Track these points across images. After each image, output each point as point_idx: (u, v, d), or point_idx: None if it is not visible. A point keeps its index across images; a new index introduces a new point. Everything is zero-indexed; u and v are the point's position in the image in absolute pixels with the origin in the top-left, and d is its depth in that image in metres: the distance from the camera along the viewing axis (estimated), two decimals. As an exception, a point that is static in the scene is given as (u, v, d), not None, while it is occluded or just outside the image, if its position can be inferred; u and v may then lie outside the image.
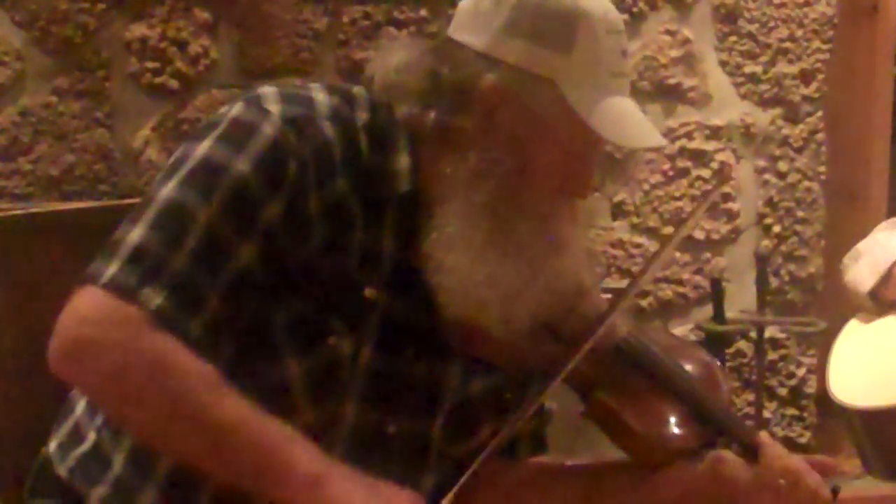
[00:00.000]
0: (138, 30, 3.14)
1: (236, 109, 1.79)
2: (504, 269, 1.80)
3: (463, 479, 1.82)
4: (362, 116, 1.84)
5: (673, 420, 1.92)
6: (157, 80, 3.16)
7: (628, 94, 1.85)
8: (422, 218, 1.82)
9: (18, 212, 2.35)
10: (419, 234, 1.82)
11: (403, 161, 1.84)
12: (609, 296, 2.02)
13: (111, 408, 1.84)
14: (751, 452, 1.90)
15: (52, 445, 1.96)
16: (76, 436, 1.92)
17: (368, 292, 1.81)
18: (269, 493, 1.75)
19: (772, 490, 1.88)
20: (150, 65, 3.15)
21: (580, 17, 1.80)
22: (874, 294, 2.89)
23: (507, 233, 1.80)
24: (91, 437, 1.90)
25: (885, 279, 2.87)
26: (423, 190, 1.83)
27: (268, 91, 1.81)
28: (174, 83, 3.16)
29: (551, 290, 1.83)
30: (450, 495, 1.82)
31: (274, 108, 1.78)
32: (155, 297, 1.70)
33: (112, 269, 1.71)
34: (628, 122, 1.83)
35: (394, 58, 1.88)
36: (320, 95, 1.84)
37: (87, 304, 1.73)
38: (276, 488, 1.74)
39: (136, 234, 1.73)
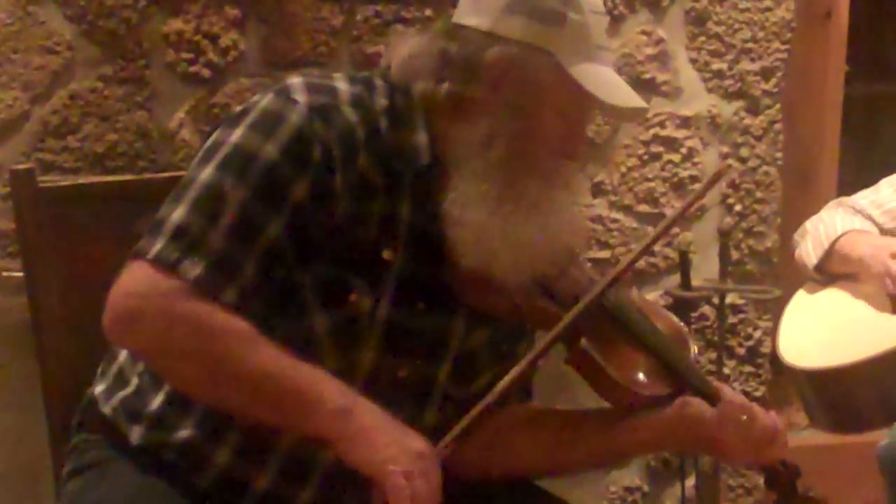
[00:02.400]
0: (175, 24, 3.14)
1: (267, 100, 1.82)
2: (515, 223, 1.83)
3: (463, 424, 1.85)
4: (381, 102, 1.86)
5: (645, 370, 1.94)
6: (192, 69, 3.16)
7: (612, 65, 1.90)
8: (438, 185, 1.85)
9: (68, 183, 2.36)
10: (436, 200, 1.85)
11: (422, 138, 1.86)
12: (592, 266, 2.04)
13: (159, 369, 1.89)
14: (713, 403, 1.92)
15: (98, 388, 1.99)
16: (120, 380, 1.96)
17: (386, 254, 1.84)
18: (304, 428, 1.79)
19: (734, 425, 1.91)
20: (185, 55, 3.15)
21: None
22: (819, 267, 2.90)
23: (517, 190, 1.84)
24: (133, 381, 1.94)
25: (828, 254, 2.88)
26: (440, 161, 1.86)
27: (296, 82, 1.84)
28: (206, 72, 3.17)
29: (552, 245, 1.87)
30: (452, 434, 1.85)
31: (301, 97, 1.81)
32: (194, 269, 1.75)
33: (157, 245, 1.76)
34: (615, 86, 1.88)
35: (407, 45, 1.91)
36: (342, 84, 1.87)
37: (136, 277, 1.78)
38: (310, 423, 1.78)
39: (178, 213, 1.77)
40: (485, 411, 1.84)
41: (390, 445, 1.75)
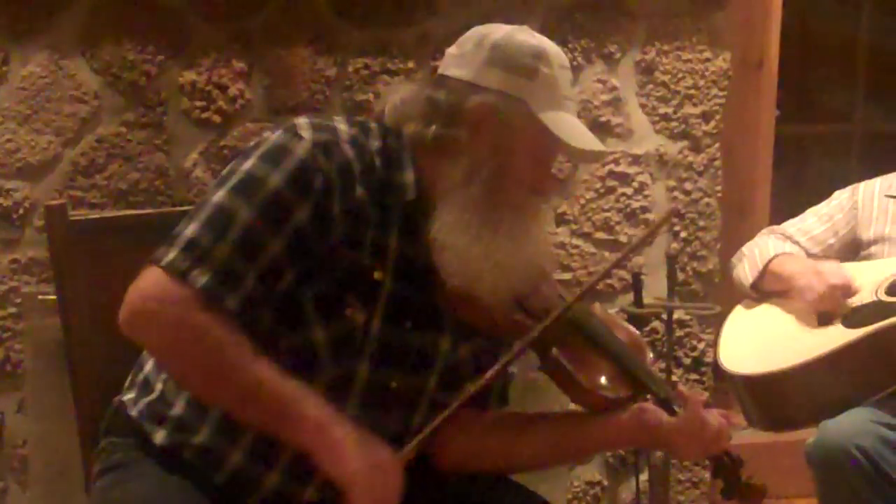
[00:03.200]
0: (189, 76, 3.15)
1: (276, 135, 1.84)
2: (494, 248, 1.84)
3: (444, 415, 1.87)
4: (375, 143, 1.87)
5: (608, 375, 1.95)
6: (204, 115, 3.17)
7: (576, 113, 1.92)
8: (424, 218, 1.86)
9: (96, 216, 2.37)
10: (421, 230, 1.86)
11: (409, 176, 1.87)
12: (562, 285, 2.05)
13: (165, 363, 1.89)
14: (667, 404, 1.94)
15: (127, 395, 2.00)
16: (146, 386, 1.96)
17: (377, 274, 1.85)
18: (285, 436, 1.80)
19: (685, 432, 1.92)
20: (198, 103, 3.16)
21: (541, 52, 1.87)
22: (755, 286, 2.92)
23: (494, 219, 1.85)
24: (158, 387, 1.94)
25: (762, 274, 2.90)
26: (425, 196, 1.87)
27: (302, 121, 1.85)
28: (217, 118, 3.17)
29: (526, 266, 1.88)
30: (430, 426, 1.86)
31: (306, 134, 1.82)
32: (201, 278, 1.76)
33: (171, 255, 1.77)
34: (579, 131, 1.90)
35: (398, 93, 1.93)
36: (342, 126, 1.88)
37: (150, 282, 1.78)
38: (290, 432, 1.79)
39: (190, 229, 1.79)
40: (452, 414, 1.86)
41: (357, 459, 1.77)
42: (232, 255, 1.76)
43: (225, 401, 1.82)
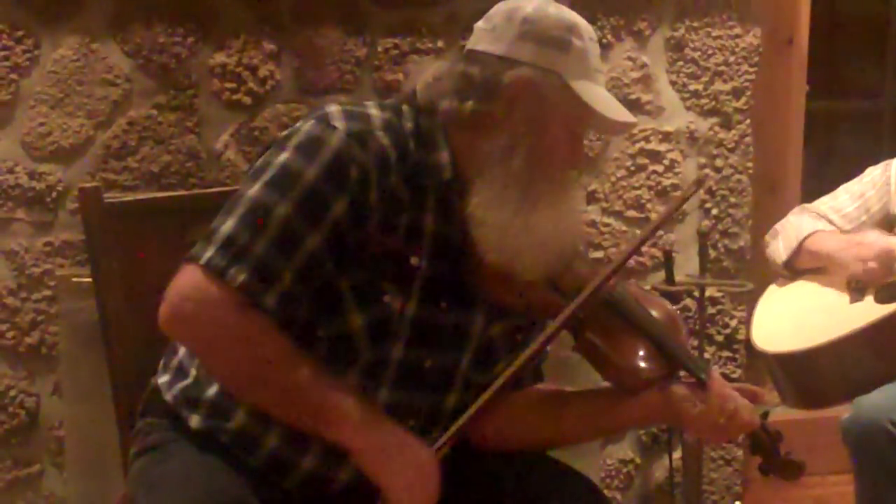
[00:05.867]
0: (219, 58, 3.15)
1: (309, 125, 1.82)
2: (534, 222, 1.83)
3: (480, 403, 1.85)
4: (408, 125, 1.86)
5: (642, 355, 1.93)
6: (234, 97, 3.16)
7: (604, 86, 1.92)
8: (459, 196, 1.85)
9: (129, 199, 2.37)
10: (456, 209, 1.85)
11: (444, 156, 1.86)
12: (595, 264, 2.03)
13: (204, 363, 1.89)
14: (701, 383, 1.92)
15: (161, 378, 1.99)
16: (180, 371, 1.96)
17: (413, 260, 1.84)
18: (325, 436, 1.81)
19: (713, 421, 1.91)
20: (228, 85, 3.16)
21: (572, 25, 1.87)
22: (788, 264, 2.91)
23: (535, 193, 1.84)
24: (192, 372, 1.94)
25: (796, 252, 2.89)
26: (460, 175, 1.86)
27: (334, 109, 1.83)
28: (247, 99, 3.17)
29: (564, 241, 1.87)
30: (467, 414, 1.85)
31: (339, 124, 1.80)
32: (239, 275, 1.75)
33: (209, 253, 1.76)
34: (612, 103, 1.89)
35: (430, 70, 1.92)
36: (374, 111, 1.86)
37: (188, 281, 1.77)
38: (331, 433, 1.80)
39: (227, 225, 1.78)
40: (487, 404, 1.85)
41: (395, 461, 1.78)
42: (269, 251, 1.75)
43: (264, 401, 1.82)
